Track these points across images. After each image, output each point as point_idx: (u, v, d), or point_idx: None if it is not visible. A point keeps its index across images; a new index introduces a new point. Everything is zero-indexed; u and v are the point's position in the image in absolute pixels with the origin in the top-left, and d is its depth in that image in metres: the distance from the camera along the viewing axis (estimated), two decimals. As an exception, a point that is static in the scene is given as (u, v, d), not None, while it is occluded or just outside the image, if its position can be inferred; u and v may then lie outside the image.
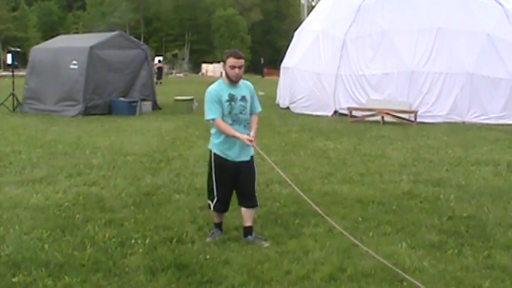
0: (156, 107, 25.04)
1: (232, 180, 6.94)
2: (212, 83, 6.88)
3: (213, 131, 6.92)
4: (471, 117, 20.77)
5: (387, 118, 20.51)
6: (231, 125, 6.68)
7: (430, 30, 21.48)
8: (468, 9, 21.91)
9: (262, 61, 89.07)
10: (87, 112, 21.66)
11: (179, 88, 41.15)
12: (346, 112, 21.86)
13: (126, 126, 18.68)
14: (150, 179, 10.48)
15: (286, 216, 7.99)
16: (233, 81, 6.70)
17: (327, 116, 22.46)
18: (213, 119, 6.69)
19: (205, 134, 16.30)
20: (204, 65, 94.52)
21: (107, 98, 22.79)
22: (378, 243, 6.89)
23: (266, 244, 6.79)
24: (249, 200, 7.01)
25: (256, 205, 7.13)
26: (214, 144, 6.89)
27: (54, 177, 10.51)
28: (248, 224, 7.01)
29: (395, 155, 13.34)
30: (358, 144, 15.09)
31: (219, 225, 7.23)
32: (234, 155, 6.81)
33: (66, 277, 5.70)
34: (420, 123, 19.96)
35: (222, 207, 7.05)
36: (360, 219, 7.91)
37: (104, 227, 7.43)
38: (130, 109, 22.59)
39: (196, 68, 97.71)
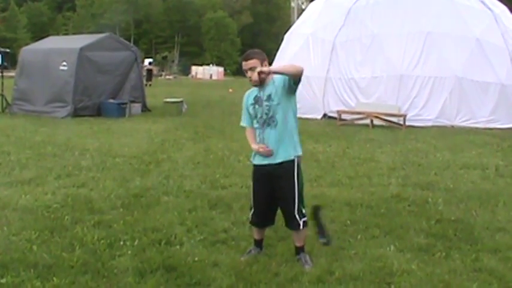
0: (145, 109, 24.98)
1: (268, 192, 6.27)
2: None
3: None
4: (460, 121, 20.84)
5: (376, 121, 20.55)
6: (258, 129, 6.13)
7: (419, 34, 21.54)
8: (457, 14, 21.99)
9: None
10: (76, 113, 21.58)
11: (169, 90, 41.14)
12: (335, 115, 21.87)
13: (115, 128, 18.65)
14: (139, 180, 10.46)
15: (275, 219, 7.99)
16: (256, 85, 6.08)
17: (316, 119, 22.46)
18: (245, 126, 6.36)
19: (194, 136, 16.40)
20: (193, 67, 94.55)
21: (97, 99, 22.71)
22: (366, 246, 6.91)
23: (308, 267, 6.17)
24: (289, 221, 6.30)
25: (298, 228, 6.25)
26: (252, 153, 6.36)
27: (43, 179, 10.49)
28: (296, 244, 6.44)
29: (384, 159, 13.38)
30: (347, 147, 15.12)
31: (258, 243, 6.64)
32: (261, 157, 6.18)
33: (54, 278, 5.69)
34: (409, 126, 19.99)
35: (257, 220, 6.49)
36: (349, 222, 7.92)
37: (93, 229, 7.41)
38: (120, 111, 22.53)
39: (186, 70, 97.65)
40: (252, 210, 6.47)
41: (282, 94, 6.01)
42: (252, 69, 5.96)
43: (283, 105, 6.03)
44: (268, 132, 6.09)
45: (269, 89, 6.06)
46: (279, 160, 6.13)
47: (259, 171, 6.30)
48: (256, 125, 6.18)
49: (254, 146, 6.17)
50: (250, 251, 6.60)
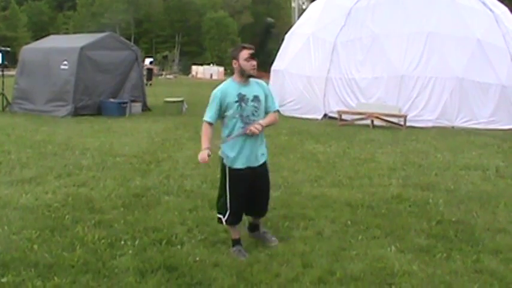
0: (145, 108, 24.96)
1: (248, 190, 6.56)
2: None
3: (222, 138, 6.45)
4: (460, 122, 20.83)
5: (377, 122, 20.54)
6: (242, 128, 6.26)
7: (420, 34, 21.52)
8: (458, 15, 21.98)
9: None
10: (76, 113, 21.58)
11: (169, 90, 41.10)
12: (335, 115, 21.87)
13: (115, 127, 18.64)
14: (140, 180, 10.46)
15: (276, 219, 8.00)
16: (248, 77, 6.32)
17: (316, 119, 22.48)
18: (205, 121, 6.31)
19: (194, 136, 16.34)
20: (194, 67, 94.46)
21: (97, 98, 22.70)
22: (367, 246, 6.91)
23: (275, 243, 6.83)
24: (263, 209, 6.87)
25: (266, 211, 7.04)
26: (225, 154, 6.46)
27: (44, 178, 10.49)
28: (260, 224, 7.07)
29: (385, 159, 13.37)
30: (347, 147, 15.11)
31: (239, 241, 6.70)
32: (244, 161, 6.41)
33: (55, 278, 5.70)
34: (409, 127, 19.98)
35: (235, 219, 6.61)
36: (349, 222, 7.92)
37: (93, 228, 7.42)
38: (120, 110, 22.54)
39: (186, 70, 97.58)
40: (228, 212, 6.52)
41: (265, 101, 6.42)
42: (254, 59, 6.29)
43: (264, 110, 6.46)
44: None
45: (255, 90, 6.37)
46: (261, 162, 6.56)
47: (243, 173, 6.47)
48: (239, 124, 6.29)
49: (205, 146, 6.30)
50: (240, 251, 6.62)
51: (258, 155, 6.50)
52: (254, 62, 6.27)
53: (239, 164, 6.42)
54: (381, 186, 10.37)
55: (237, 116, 6.25)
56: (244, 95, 6.25)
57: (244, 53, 6.24)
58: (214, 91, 6.33)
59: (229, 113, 6.26)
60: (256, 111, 6.32)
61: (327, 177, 11.14)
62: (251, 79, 6.41)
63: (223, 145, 6.42)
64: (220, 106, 6.26)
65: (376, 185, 10.53)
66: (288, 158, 13.01)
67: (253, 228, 7.05)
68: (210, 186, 10.01)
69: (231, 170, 6.43)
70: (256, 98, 6.32)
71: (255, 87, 6.41)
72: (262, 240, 6.95)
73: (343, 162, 12.88)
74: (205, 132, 6.33)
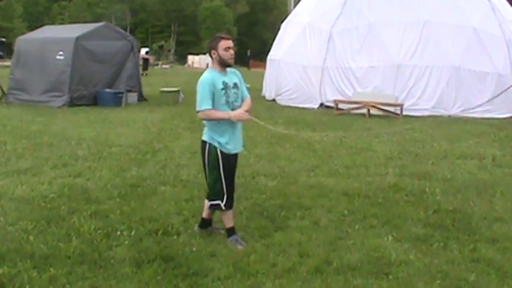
0: (141, 98, 24.91)
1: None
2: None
3: (209, 125, 6.51)
4: (457, 111, 20.83)
5: (373, 111, 20.52)
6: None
7: (416, 23, 21.50)
8: (455, 3, 21.96)
9: (248, 53, 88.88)
10: (72, 103, 21.52)
11: (165, 79, 41.03)
12: (332, 105, 21.83)
13: (111, 117, 18.59)
14: (136, 170, 10.43)
15: (272, 209, 7.99)
16: (226, 66, 6.42)
17: (313, 109, 22.45)
18: (206, 110, 6.22)
19: (190, 126, 16.32)
20: (190, 57, 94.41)
21: (93, 89, 22.65)
22: (364, 236, 6.91)
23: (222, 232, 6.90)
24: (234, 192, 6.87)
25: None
26: (216, 140, 6.46)
27: (40, 169, 10.45)
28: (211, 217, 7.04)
29: (381, 148, 13.36)
30: (344, 136, 15.09)
31: (234, 229, 6.71)
32: (235, 146, 6.56)
33: (51, 269, 5.68)
34: (406, 116, 19.99)
35: (232, 202, 6.64)
36: (346, 212, 7.92)
37: (90, 219, 7.40)
38: (116, 100, 22.48)
39: (182, 60, 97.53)
40: (226, 196, 6.55)
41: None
42: (233, 48, 6.43)
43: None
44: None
45: (233, 78, 6.53)
46: (243, 146, 6.81)
47: (232, 157, 6.62)
48: (227, 111, 6.39)
49: (236, 112, 6.38)
50: (236, 240, 6.62)
51: (241, 141, 6.71)
52: (232, 52, 6.40)
53: (232, 149, 6.53)
54: (378, 176, 10.37)
55: (223, 102, 6.33)
56: (227, 83, 6.40)
57: (223, 44, 6.34)
58: (202, 81, 6.33)
59: (216, 100, 6.31)
60: (237, 97, 6.50)
61: (324, 166, 11.13)
62: (227, 68, 6.52)
63: (211, 131, 6.47)
64: (213, 93, 6.29)
65: (373, 174, 10.53)
66: (284, 148, 12.99)
67: (209, 223, 7.02)
68: (207, 176, 10.00)
69: (224, 154, 6.49)
70: (235, 86, 6.51)
71: (232, 75, 6.56)
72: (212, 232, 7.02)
73: (340, 152, 12.86)
74: (215, 112, 6.31)
